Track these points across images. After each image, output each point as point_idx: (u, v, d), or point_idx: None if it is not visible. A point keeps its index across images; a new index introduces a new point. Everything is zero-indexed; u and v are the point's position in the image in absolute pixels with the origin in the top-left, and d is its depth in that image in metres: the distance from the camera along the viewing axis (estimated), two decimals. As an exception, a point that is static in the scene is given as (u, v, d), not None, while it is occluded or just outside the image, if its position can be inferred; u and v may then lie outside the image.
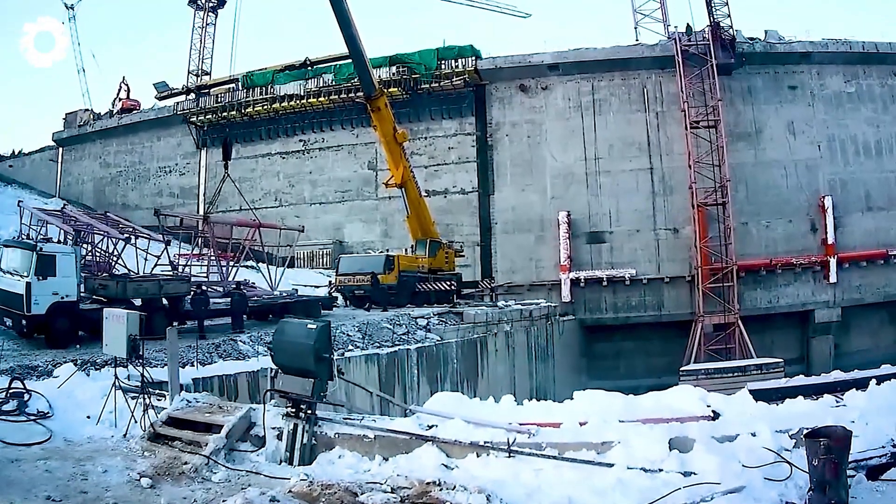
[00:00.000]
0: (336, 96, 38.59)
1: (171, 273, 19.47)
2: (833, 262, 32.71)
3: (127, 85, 50.88)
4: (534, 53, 36.33)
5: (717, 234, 32.35)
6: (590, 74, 35.37)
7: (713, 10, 33.49)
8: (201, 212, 35.60)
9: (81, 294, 15.49)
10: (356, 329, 18.79)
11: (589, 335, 33.75)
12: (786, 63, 34.43)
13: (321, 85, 39.13)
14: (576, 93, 35.53)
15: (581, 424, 7.31)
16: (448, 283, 28.20)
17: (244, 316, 18.54)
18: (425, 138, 37.93)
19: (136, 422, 8.64)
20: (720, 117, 32.25)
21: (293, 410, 7.82)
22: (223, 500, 6.34)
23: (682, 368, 25.92)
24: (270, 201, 40.41)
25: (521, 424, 7.39)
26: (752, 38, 34.82)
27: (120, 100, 50.06)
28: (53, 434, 8.39)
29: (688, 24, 34.32)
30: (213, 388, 11.81)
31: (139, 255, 20.41)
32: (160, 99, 48.44)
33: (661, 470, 6.24)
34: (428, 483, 6.51)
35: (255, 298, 20.70)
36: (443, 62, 36.84)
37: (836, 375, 14.17)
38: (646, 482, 6.13)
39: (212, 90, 44.09)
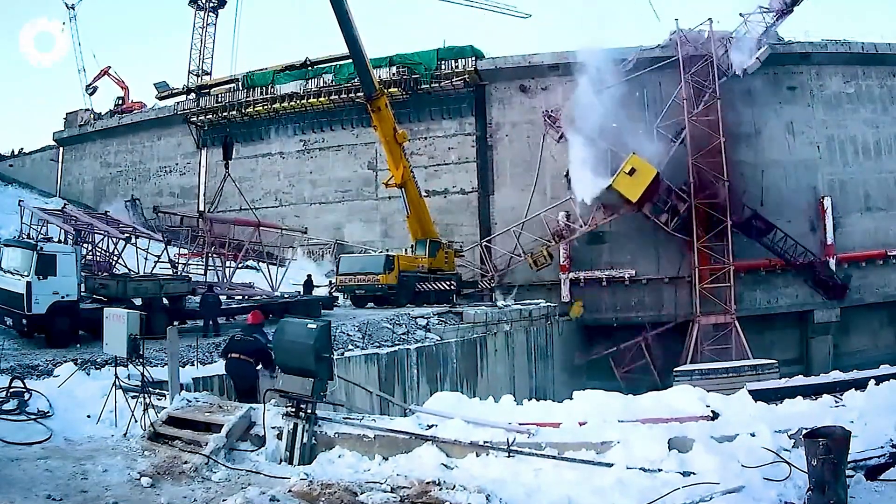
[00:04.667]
0: (336, 96, 38.61)
1: (171, 272, 19.48)
2: (832, 262, 32.73)
3: (125, 86, 50.89)
4: (534, 54, 36.31)
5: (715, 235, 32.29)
6: (589, 75, 35.33)
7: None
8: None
9: (82, 293, 15.51)
10: (356, 329, 18.79)
11: (588, 335, 33.74)
12: (785, 64, 34.36)
13: (321, 85, 39.14)
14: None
15: (580, 424, 7.33)
16: (448, 282, 28.22)
17: (218, 319, 17.16)
18: (425, 138, 37.93)
19: (136, 421, 8.65)
20: (718, 117, 32.21)
21: (293, 410, 7.83)
22: (223, 500, 6.34)
23: (676, 369, 25.87)
24: (271, 201, 40.42)
25: (520, 424, 7.40)
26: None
27: (120, 98, 50.12)
28: (53, 433, 8.39)
29: None
30: (214, 387, 11.77)
31: (139, 254, 20.45)
32: (161, 99, 48.50)
33: (660, 470, 6.25)
34: (428, 483, 6.52)
35: (257, 298, 20.71)
36: (443, 62, 36.86)
37: (836, 376, 14.10)
38: (645, 482, 6.15)
39: (212, 90, 44.10)
